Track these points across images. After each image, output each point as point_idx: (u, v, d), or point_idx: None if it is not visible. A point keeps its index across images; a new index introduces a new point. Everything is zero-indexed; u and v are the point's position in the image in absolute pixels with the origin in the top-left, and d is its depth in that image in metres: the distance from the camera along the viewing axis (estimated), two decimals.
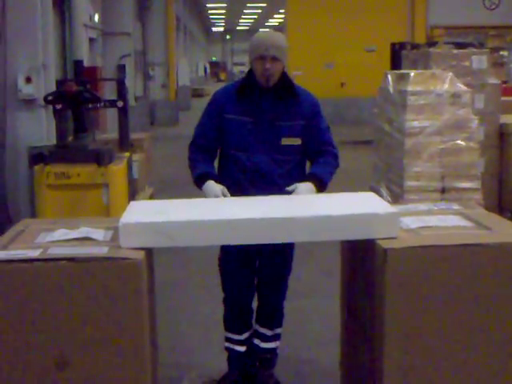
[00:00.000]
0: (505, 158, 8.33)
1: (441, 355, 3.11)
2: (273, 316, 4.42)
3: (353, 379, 3.71)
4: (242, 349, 4.41)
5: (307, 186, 3.99)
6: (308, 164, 4.29)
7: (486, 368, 3.15)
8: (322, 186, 4.07)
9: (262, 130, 4.07)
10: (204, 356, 4.81)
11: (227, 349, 4.44)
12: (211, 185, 4.01)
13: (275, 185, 4.04)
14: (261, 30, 4.37)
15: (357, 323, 3.55)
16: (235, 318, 4.37)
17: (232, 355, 4.43)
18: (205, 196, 4.01)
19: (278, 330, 4.46)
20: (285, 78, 4.13)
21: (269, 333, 4.42)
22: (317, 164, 4.18)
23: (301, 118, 4.12)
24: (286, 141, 4.09)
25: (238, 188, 4.03)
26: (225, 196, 3.92)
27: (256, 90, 4.10)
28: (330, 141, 4.27)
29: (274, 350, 4.47)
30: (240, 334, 4.38)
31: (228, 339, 4.42)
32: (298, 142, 4.12)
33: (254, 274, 4.31)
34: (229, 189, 3.98)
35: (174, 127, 21.20)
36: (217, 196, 3.92)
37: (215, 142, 4.19)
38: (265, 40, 4.05)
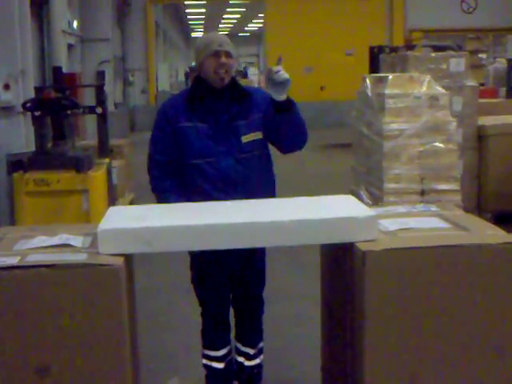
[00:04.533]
0: (483, 160, 8.38)
1: (421, 356, 3.12)
2: (252, 332, 4.33)
3: (334, 380, 3.71)
4: (220, 366, 4.25)
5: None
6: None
7: (467, 368, 3.16)
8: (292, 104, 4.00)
9: (220, 132, 3.97)
10: (185, 361, 4.80)
11: (205, 366, 4.29)
12: None
13: (244, 187, 3.97)
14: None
15: (337, 326, 3.56)
16: (211, 333, 4.24)
17: (210, 373, 4.29)
18: None
19: (260, 345, 4.36)
20: (233, 80, 4.07)
21: (252, 351, 4.31)
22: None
23: (256, 111, 4.04)
24: (246, 138, 3.99)
25: (206, 198, 3.86)
26: None
27: (207, 94, 4.00)
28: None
29: (259, 365, 4.38)
30: (217, 350, 4.24)
31: (205, 356, 4.27)
32: (259, 135, 4.03)
33: (229, 286, 4.20)
34: (195, 199, 3.86)
35: None
36: None
37: (174, 155, 4.05)
38: (216, 37, 4.01)
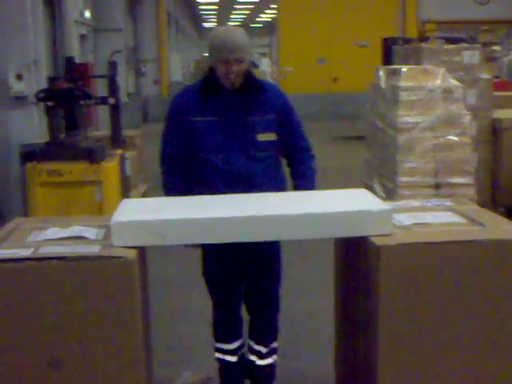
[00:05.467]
0: (498, 153, 8.32)
1: (436, 351, 3.11)
2: (265, 331, 4.24)
3: (348, 377, 3.70)
4: (233, 359, 4.22)
5: None
6: (284, 161, 4.18)
7: (481, 364, 3.14)
8: None
9: (233, 127, 3.91)
10: (199, 353, 4.79)
11: (218, 360, 4.26)
12: None
13: (253, 185, 3.91)
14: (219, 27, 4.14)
15: (351, 321, 3.54)
16: (223, 326, 4.20)
17: (223, 366, 4.26)
18: None
19: (274, 345, 4.26)
20: (249, 75, 3.97)
21: (264, 350, 4.23)
22: (301, 177, 4.11)
23: (272, 111, 3.98)
24: (261, 136, 3.94)
25: (214, 193, 3.83)
26: None
27: (219, 89, 3.94)
28: (303, 135, 4.15)
29: (272, 365, 4.29)
30: (229, 343, 4.20)
31: (218, 350, 4.24)
32: (273, 137, 3.98)
33: (240, 281, 4.15)
34: (203, 193, 3.84)
35: None
36: None
37: (184, 149, 4.01)
38: (227, 41, 3.84)
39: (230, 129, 3.92)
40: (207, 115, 3.93)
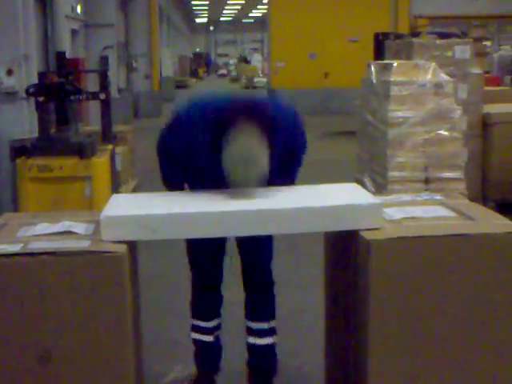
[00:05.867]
0: (488, 148, 8.35)
1: (426, 346, 3.11)
2: (265, 304, 4.12)
3: (338, 372, 3.71)
4: (209, 338, 4.14)
5: None
6: None
7: (473, 358, 3.15)
8: None
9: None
10: (190, 348, 4.78)
11: (194, 341, 4.18)
12: None
13: None
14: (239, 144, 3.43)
15: (341, 314, 3.55)
16: (202, 302, 4.12)
17: (198, 347, 4.19)
18: None
19: (274, 323, 4.15)
20: None
21: (265, 326, 4.11)
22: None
23: (275, 160, 3.56)
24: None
25: None
26: None
27: None
28: (294, 178, 3.97)
29: (272, 348, 4.15)
30: (207, 320, 4.12)
31: (195, 328, 4.15)
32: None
33: (223, 255, 4.06)
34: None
35: (157, 118, 21.12)
36: None
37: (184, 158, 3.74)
38: (239, 178, 3.44)
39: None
40: (212, 161, 3.56)
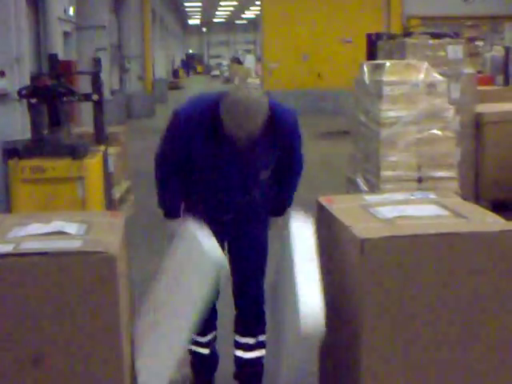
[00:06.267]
0: (480, 147, 8.36)
1: (419, 343, 3.11)
2: (253, 320, 4.18)
3: (330, 368, 3.70)
4: (206, 351, 4.22)
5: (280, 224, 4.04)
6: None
7: (467, 356, 3.14)
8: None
9: (238, 165, 3.82)
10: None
11: (190, 352, 4.23)
12: (175, 225, 3.92)
13: (243, 213, 3.98)
14: (240, 97, 3.61)
15: (333, 313, 3.53)
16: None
17: (195, 359, 4.26)
18: (167, 229, 3.98)
19: (262, 338, 4.20)
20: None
21: (251, 341, 4.18)
22: (286, 188, 4.13)
23: (278, 148, 3.87)
24: (265, 174, 3.91)
25: (210, 212, 3.90)
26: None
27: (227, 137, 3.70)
28: (300, 160, 4.09)
29: (259, 360, 4.21)
30: (203, 335, 4.17)
31: (192, 341, 4.14)
32: (272, 167, 3.94)
33: None
34: (196, 208, 3.91)
35: (150, 120, 21.12)
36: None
37: (182, 162, 3.89)
38: (240, 125, 3.58)
39: (233, 167, 3.83)
40: (212, 147, 3.78)
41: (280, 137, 3.86)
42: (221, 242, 3.92)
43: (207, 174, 3.91)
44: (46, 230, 3.24)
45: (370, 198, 3.79)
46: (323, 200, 3.68)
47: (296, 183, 4.17)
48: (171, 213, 4.00)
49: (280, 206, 4.13)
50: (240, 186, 3.92)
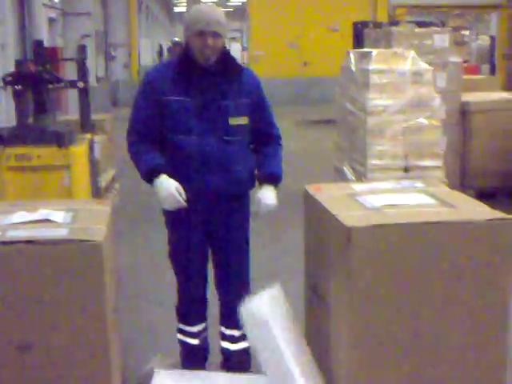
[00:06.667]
0: (466, 136, 8.39)
1: (406, 333, 3.11)
2: (237, 313, 3.99)
3: (317, 358, 3.70)
4: (195, 342, 4.21)
5: (269, 194, 3.96)
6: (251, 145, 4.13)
7: (451, 343, 3.16)
8: (278, 182, 4.03)
9: (207, 109, 3.85)
10: (169, 338, 4.77)
11: (179, 342, 4.25)
12: (164, 181, 3.80)
13: (227, 168, 3.89)
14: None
15: (321, 302, 3.54)
16: (188, 308, 4.17)
17: (184, 349, 4.25)
18: (156, 192, 3.85)
19: None
20: (225, 54, 3.92)
21: (237, 333, 4.16)
22: (269, 158, 4.07)
23: (246, 95, 3.93)
24: (233, 120, 3.89)
25: (184, 177, 3.83)
26: (180, 194, 3.75)
27: (195, 68, 3.86)
28: (274, 122, 4.14)
29: (245, 351, 4.20)
30: (191, 325, 4.18)
31: (180, 331, 4.23)
32: (245, 120, 3.94)
33: (206, 262, 4.12)
34: (173, 177, 3.81)
35: None
36: (171, 195, 3.75)
37: (156, 127, 3.91)
38: (205, 14, 3.81)
39: (202, 111, 3.86)
40: (181, 95, 3.86)
41: (246, 86, 3.96)
42: (202, 232, 3.97)
43: (180, 140, 3.87)
44: (32, 218, 3.23)
45: (358, 186, 3.80)
46: (310, 188, 3.67)
47: (278, 155, 4.12)
48: (154, 172, 3.86)
49: (264, 176, 4.05)
50: (211, 130, 3.87)
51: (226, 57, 3.93)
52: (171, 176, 3.83)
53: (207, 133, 3.86)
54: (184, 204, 3.77)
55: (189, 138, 3.85)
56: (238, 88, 3.92)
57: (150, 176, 3.85)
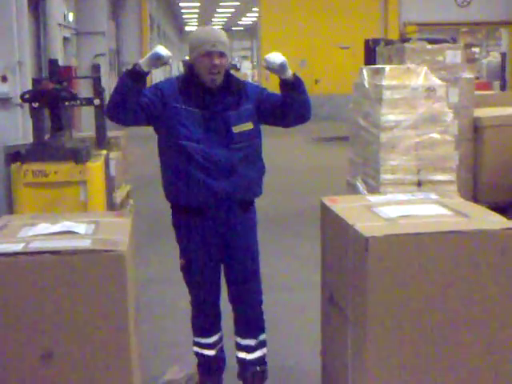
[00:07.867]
0: (479, 151, 8.44)
1: (423, 342, 3.15)
2: (252, 322, 4.24)
3: (334, 368, 3.74)
4: (211, 353, 4.27)
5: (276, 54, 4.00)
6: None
7: (467, 352, 3.18)
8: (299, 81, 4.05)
9: (211, 121, 3.97)
10: (186, 349, 4.81)
11: (196, 354, 4.31)
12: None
13: (233, 173, 3.98)
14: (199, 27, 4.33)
15: (338, 312, 3.58)
16: (202, 321, 4.24)
17: (201, 360, 4.30)
18: (147, 57, 4.00)
19: (262, 337, 4.27)
20: (228, 75, 4.07)
21: (253, 342, 4.22)
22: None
23: (247, 102, 4.06)
24: (237, 128, 3.99)
25: (193, 182, 3.95)
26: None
27: (201, 87, 4.00)
28: None
29: (262, 359, 4.27)
30: (208, 337, 4.25)
31: (196, 344, 4.29)
32: (249, 126, 4.04)
33: (219, 274, 4.19)
34: (181, 182, 3.96)
35: (149, 126, 21.11)
36: (160, 47, 3.94)
37: (146, 108, 3.96)
38: (210, 35, 3.97)
39: (208, 122, 3.98)
40: (187, 105, 3.98)
41: (249, 95, 4.08)
42: (212, 243, 4.05)
43: (188, 146, 3.95)
44: (54, 230, 3.29)
45: (373, 198, 3.85)
46: (327, 200, 3.72)
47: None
48: (135, 65, 4.02)
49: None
50: (217, 140, 3.97)
51: (228, 76, 4.07)
52: (178, 180, 3.97)
53: (213, 142, 3.96)
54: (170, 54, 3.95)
55: (196, 146, 3.95)
56: (239, 98, 4.06)
57: (133, 69, 3.98)
